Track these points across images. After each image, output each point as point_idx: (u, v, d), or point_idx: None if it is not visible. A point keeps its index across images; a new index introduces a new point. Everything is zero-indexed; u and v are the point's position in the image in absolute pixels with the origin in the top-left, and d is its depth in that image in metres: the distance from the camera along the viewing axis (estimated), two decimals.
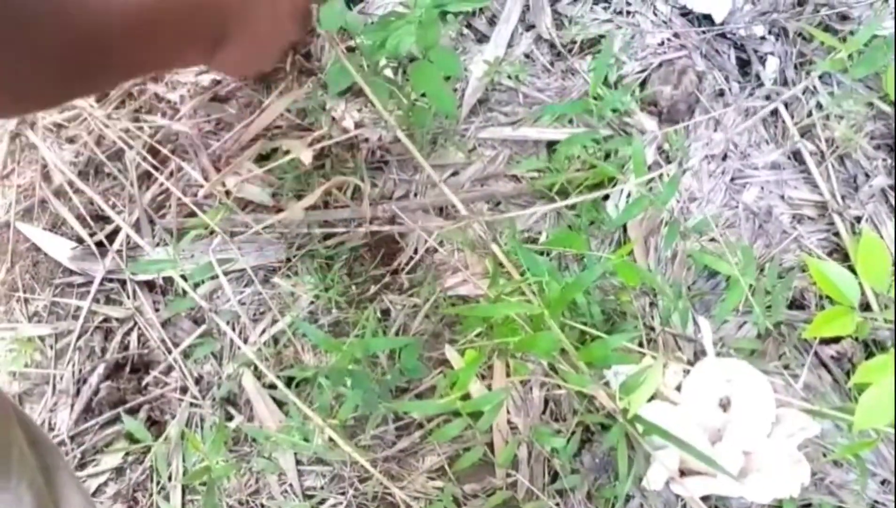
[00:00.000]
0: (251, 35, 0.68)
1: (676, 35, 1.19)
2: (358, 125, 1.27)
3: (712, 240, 1.09)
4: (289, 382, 1.07)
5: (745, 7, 1.14)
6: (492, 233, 1.07)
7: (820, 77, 1.13)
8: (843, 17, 1.17)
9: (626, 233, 1.12)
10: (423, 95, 1.21)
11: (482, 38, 1.31)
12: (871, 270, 0.83)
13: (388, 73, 1.26)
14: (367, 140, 1.25)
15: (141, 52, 0.56)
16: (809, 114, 1.12)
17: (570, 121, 1.21)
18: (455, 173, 1.22)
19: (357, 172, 1.21)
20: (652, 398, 0.95)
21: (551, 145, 1.20)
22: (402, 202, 1.18)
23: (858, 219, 1.06)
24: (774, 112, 1.12)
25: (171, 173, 1.23)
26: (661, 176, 1.13)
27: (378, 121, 1.25)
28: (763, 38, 1.14)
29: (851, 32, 1.16)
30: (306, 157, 1.14)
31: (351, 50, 1.19)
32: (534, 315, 0.87)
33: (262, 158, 1.25)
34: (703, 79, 1.16)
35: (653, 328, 1.06)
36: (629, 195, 1.11)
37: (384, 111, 1.11)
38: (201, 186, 1.21)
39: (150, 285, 1.19)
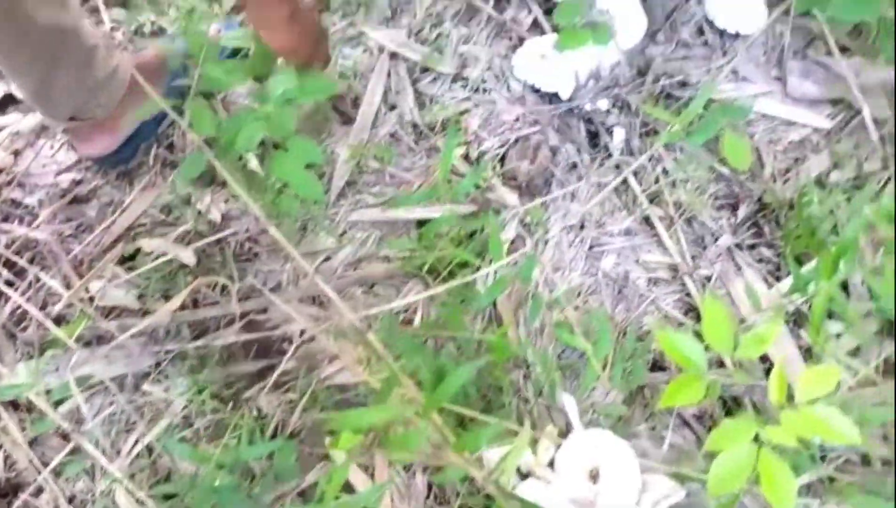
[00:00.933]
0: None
1: (530, 110, 1.24)
2: (225, 217, 1.26)
3: (577, 308, 1.12)
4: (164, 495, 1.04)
5: (589, 83, 1.20)
6: (366, 322, 1.07)
7: (664, 145, 1.20)
8: (683, 84, 1.25)
9: (497, 307, 1.15)
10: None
11: (347, 120, 1.33)
12: (716, 333, 0.88)
13: (254, 161, 1.26)
14: (235, 233, 1.24)
15: None
16: (656, 180, 1.18)
17: (438, 198, 1.23)
18: (327, 259, 1.22)
19: (226, 267, 1.20)
20: (526, 476, 0.97)
21: (421, 223, 1.22)
22: (273, 295, 1.17)
23: (709, 278, 1.12)
24: (625, 180, 1.17)
25: (30, 285, 1.19)
26: (524, 251, 1.17)
27: (246, 211, 1.25)
28: (608, 111, 1.20)
29: (691, 98, 1.23)
30: (188, 257, 1.13)
31: (211, 142, 1.18)
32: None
33: (126, 259, 1.23)
34: (557, 152, 1.21)
35: (527, 401, 1.08)
36: (496, 272, 1.13)
37: (251, 202, 1.10)
38: (63, 295, 1.17)
39: (14, 405, 1.13)
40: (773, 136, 1.21)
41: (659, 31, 1.28)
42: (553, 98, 1.23)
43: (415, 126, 1.30)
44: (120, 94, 1.22)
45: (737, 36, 1.26)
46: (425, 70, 1.33)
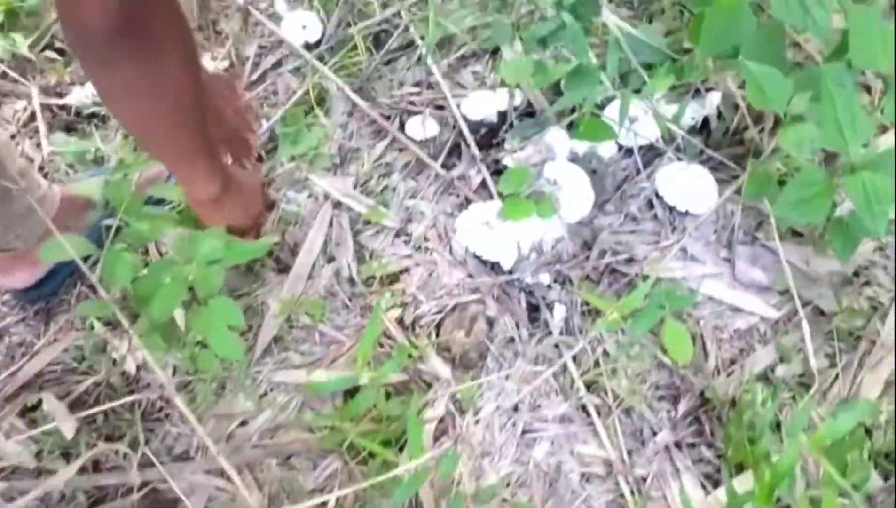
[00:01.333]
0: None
1: (471, 276, 1.19)
2: (140, 368, 1.18)
3: (504, 501, 1.05)
4: None
5: (532, 256, 1.16)
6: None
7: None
8: (629, 260, 1.21)
9: (418, 494, 1.07)
10: None
11: (283, 268, 1.27)
12: None
13: (178, 310, 1.20)
14: (148, 385, 1.16)
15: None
16: (596, 363, 1.12)
17: (369, 363, 1.17)
18: (244, 423, 1.14)
19: (133, 427, 1.12)
20: None
21: (347, 391, 1.15)
22: (179, 464, 1.09)
23: (645, 479, 1.05)
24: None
25: None
26: (454, 425, 1.10)
27: (165, 364, 1.17)
28: (549, 286, 1.16)
29: (637, 275, 1.19)
30: (69, 429, 1.05)
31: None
32: None
33: (28, 410, 1.14)
34: (495, 324, 1.15)
35: None
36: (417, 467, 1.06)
37: (158, 369, 1.03)
38: None
39: None
40: (719, 321, 1.17)
41: (608, 201, 1.25)
42: (495, 266, 1.19)
43: (352, 282, 1.24)
44: (41, 228, 1.17)
45: (686, 213, 1.23)
46: (368, 222, 1.29)
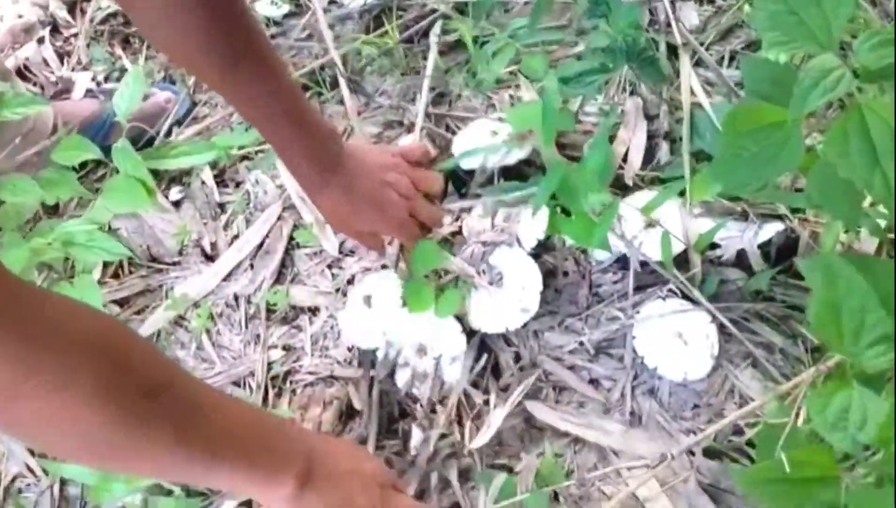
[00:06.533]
0: None
1: (349, 361, 0.98)
2: None
3: None
4: None
5: (408, 358, 0.91)
6: None
7: None
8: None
9: None
10: None
11: (210, 257, 1.14)
12: None
13: None
14: None
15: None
16: None
17: None
18: None
19: None
20: None
21: None
22: None
23: None
24: None
25: None
26: None
27: None
28: (420, 403, 0.90)
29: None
30: None
31: None
32: None
33: None
34: (353, 418, 0.94)
35: None
36: None
37: None
38: None
39: None
40: None
41: (576, 317, 0.95)
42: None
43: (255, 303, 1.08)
44: None
45: (660, 377, 0.89)
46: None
